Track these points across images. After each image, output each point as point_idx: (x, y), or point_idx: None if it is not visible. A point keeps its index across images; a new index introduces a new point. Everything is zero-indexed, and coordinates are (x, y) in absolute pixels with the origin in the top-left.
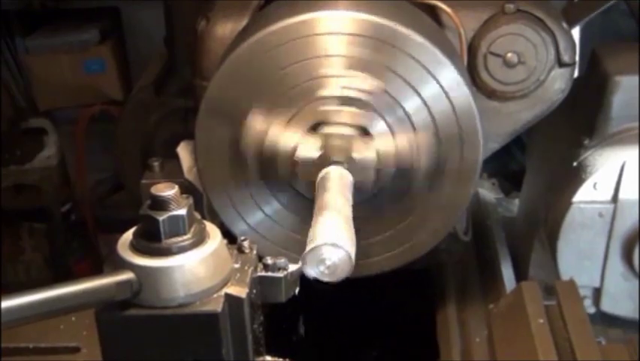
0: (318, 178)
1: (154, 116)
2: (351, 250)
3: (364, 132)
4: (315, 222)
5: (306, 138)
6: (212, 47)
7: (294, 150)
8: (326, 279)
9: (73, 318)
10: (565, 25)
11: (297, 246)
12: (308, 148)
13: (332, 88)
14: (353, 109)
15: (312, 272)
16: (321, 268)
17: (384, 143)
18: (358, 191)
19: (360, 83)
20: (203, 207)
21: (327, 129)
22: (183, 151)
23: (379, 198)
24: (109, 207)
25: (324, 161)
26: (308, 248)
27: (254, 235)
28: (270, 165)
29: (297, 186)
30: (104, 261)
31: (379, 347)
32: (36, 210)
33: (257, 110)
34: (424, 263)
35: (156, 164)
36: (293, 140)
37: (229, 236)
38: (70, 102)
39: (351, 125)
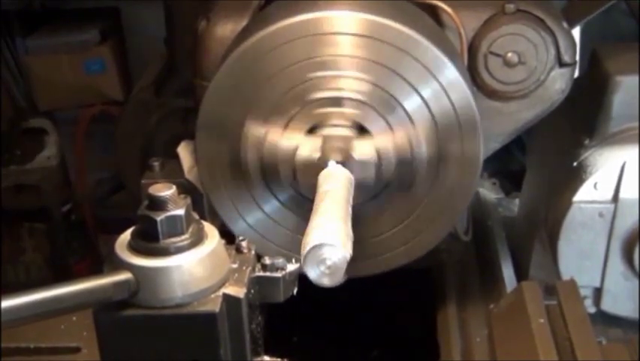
0: (319, 177)
1: (154, 117)
2: (349, 250)
3: (363, 131)
4: (312, 222)
5: (305, 139)
6: (212, 47)
7: (294, 152)
8: (326, 280)
9: (73, 318)
10: (565, 25)
11: (296, 246)
12: (307, 150)
13: (334, 89)
14: (350, 109)
15: (312, 273)
16: (322, 268)
17: (384, 140)
18: (361, 189)
19: (362, 84)
20: (204, 207)
21: (326, 130)
22: (184, 151)
23: (380, 198)
24: (109, 208)
25: (323, 162)
26: (305, 248)
27: (253, 234)
28: (271, 167)
29: (298, 187)
30: (104, 261)
31: (379, 347)
32: (36, 211)
33: (255, 114)
34: (424, 263)
35: (156, 164)
36: (292, 142)
37: (227, 236)
38: (70, 102)
39: (349, 125)
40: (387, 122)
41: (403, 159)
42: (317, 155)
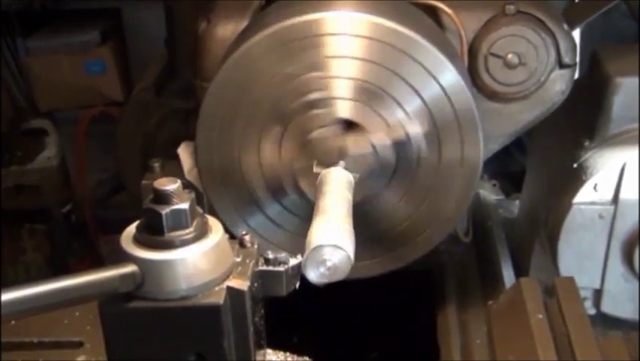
0: (319, 178)
1: (154, 117)
2: (351, 251)
3: (357, 127)
4: (314, 224)
5: (299, 154)
6: (212, 48)
7: (292, 166)
8: (326, 281)
9: (77, 313)
10: (565, 26)
11: (298, 248)
12: (304, 163)
13: (334, 89)
14: (348, 109)
15: (312, 274)
16: (322, 269)
17: (378, 131)
18: (365, 182)
19: (362, 85)
20: (204, 208)
21: (318, 133)
22: (184, 152)
23: (380, 199)
24: (109, 208)
25: (322, 166)
26: (308, 250)
27: (255, 236)
28: (271, 178)
29: (301, 192)
30: (104, 261)
31: (380, 348)
32: (36, 211)
33: (256, 115)
34: (424, 264)
35: (157, 165)
36: (288, 158)
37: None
38: (70, 103)
39: (341, 123)
40: (386, 122)
41: (399, 143)
42: (315, 166)
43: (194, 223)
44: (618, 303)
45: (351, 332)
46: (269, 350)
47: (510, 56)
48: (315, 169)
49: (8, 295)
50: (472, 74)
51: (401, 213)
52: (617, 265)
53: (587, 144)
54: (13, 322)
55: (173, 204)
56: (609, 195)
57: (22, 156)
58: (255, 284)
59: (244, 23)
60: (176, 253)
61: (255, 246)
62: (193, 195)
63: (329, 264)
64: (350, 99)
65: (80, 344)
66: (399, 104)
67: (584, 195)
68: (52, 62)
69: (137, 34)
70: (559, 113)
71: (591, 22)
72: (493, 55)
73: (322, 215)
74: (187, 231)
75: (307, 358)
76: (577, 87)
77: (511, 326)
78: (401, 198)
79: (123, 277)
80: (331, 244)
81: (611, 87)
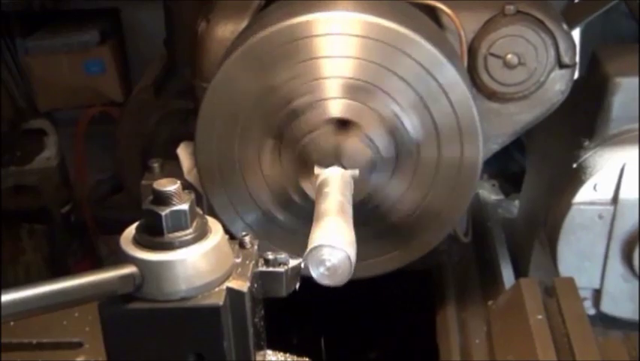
0: (319, 180)
1: (154, 118)
2: (352, 251)
3: (361, 132)
4: (315, 224)
5: (297, 158)
6: (212, 48)
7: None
8: (326, 281)
9: (76, 314)
10: (565, 26)
11: (295, 246)
12: (303, 166)
13: (334, 90)
14: (347, 109)
15: (312, 274)
16: (322, 269)
17: (373, 125)
18: (356, 189)
19: (361, 85)
20: (204, 208)
21: (309, 138)
22: (183, 152)
23: (380, 200)
24: (109, 208)
25: (321, 167)
26: (308, 249)
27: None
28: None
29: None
30: (104, 262)
31: (379, 348)
32: (36, 211)
33: (255, 115)
34: (424, 264)
35: (156, 165)
36: (288, 158)
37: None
38: (70, 103)
39: (334, 123)
40: (380, 115)
41: (395, 131)
42: (317, 169)
43: (194, 224)
44: (618, 303)
45: (350, 332)
46: (269, 351)
47: (509, 56)
48: (316, 171)
49: (8, 296)
50: (472, 74)
51: (400, 214)
52: (616, 265)
53: (586, 144)
54: (12, 323)
55: (173, 205)
56: (609, 195)
57: (21, 157)
58: (255, 285)
59: (244, 23)
60: (176, 254)
61: (255, 247)
62: (193, 196)
63: (328, 264)
64: (346, 98)
65: (80, 345)
66: (398, 104)
67: (583, 195)
68: (52, 62)
69: (137, 34)
70: (559, 113)
71: (591, 22)
72: (492, 55)
73: (322, 216)
74: (187, 232)
75: (307, 358)
76: (577, 87)
77: (511, 326)
78: (400, 199)
79: (123, 278)
80: (330, 245)
81: (611, 87)
